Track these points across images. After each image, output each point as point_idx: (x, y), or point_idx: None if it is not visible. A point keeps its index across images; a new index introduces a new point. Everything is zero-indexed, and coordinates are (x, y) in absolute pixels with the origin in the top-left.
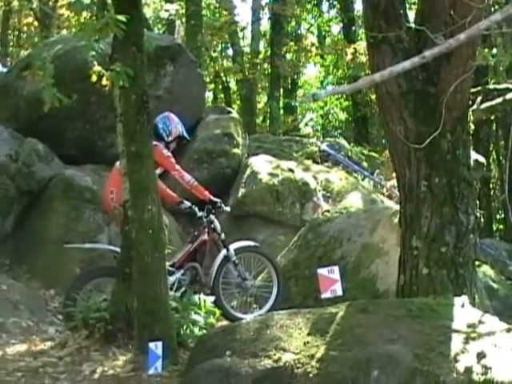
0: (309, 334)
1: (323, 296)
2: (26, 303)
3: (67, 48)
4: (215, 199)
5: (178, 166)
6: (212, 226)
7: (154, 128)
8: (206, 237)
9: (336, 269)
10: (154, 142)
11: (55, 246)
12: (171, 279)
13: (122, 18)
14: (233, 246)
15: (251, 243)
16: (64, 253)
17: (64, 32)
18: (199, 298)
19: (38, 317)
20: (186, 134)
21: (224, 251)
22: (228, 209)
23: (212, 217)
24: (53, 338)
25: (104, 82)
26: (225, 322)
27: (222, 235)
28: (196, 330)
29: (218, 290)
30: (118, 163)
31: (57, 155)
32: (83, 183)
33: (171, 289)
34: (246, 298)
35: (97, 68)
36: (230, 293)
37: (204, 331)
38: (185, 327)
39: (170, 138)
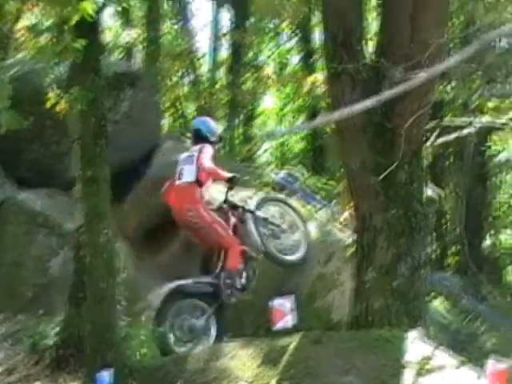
0: (261, 365)
1: (277, 326)
2: None
3: (25, 70)
4: (231, 175)
5: (205, 161)
6: (233, 205)
7: (197, 132)
8: (233, 220)
9: (290, 299)
10: (201, 146)
11: (8, 269)
12: (238, 281)
13: (81, 42)
14: (253, 205)
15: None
16: (17, 276)
17: (21, 54)
18: (151, 326)
19: None
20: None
21: (250, 217)
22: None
23: (230, 198)
24: (0, 364)
25: (62, 105)
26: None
27: (243, 204)
28: (148, 357)
29: (267, 247)
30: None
31: (12, 177)
32: (36, 207)
33: (244, 289)
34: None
35: (54, 93)
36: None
37: (156, 359)
38: (137, 354)
39: (214, 138)
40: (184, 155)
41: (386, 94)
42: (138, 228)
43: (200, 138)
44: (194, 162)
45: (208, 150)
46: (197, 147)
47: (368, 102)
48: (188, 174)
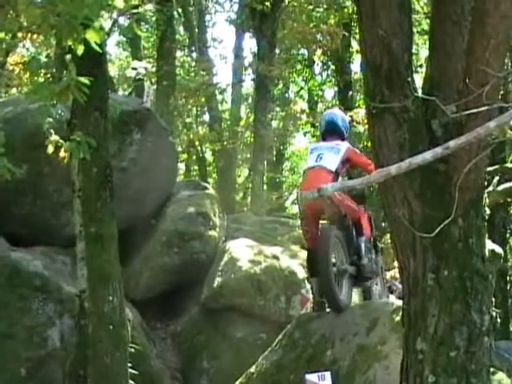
0: None
1: None
2: None
3: (18, 111)
4: None
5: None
6: None
7: (334, 126)
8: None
9: (327, 375)
10: (340, 142)
11: None
12: None
13: (85, 80)
14: None
15: None
16: (8, 350)
17: (14, 91)
18: None
19: None
20: None
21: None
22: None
23: None
24: None
25: (62, 153)
26: None
27: None
28: None
29: None
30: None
31: (2, 234)
32: (32, 268)
33: None
34: None
35: (54, 138)
36: None
37: None
38: None
39: (347, 134)
40: (322, 144)
41: (452, 144)
42: (150, 291)
43: (334, 132)
44: (339, 154)
45: (357, 150)
46: (338, 142)
47: (429, 154)
48: (329, 162)
